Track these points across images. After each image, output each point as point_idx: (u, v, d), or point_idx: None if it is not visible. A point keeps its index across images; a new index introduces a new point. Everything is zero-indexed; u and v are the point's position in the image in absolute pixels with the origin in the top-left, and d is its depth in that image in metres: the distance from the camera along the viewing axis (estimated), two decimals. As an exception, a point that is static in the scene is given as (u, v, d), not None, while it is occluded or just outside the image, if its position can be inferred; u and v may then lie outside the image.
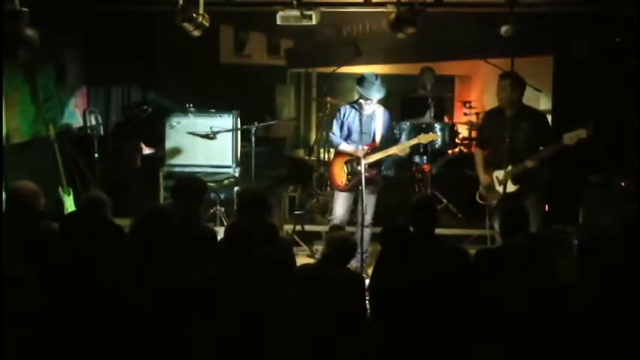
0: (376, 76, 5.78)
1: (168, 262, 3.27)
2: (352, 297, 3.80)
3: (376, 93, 5.73)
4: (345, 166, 5.90)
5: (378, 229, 4.43)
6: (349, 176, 5.87)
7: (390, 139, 5.98)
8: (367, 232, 5.74)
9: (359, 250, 5.59)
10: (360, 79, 5.78)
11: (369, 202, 5.69)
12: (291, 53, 8.85)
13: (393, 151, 5.79)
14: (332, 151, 6.50)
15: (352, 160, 5.85)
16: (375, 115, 5.84)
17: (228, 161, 7.06)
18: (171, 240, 3.33)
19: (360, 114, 5.81)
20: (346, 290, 3.77)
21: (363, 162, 5.53)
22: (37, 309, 3.20)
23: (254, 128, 6.71)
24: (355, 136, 5.86)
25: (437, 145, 7.19)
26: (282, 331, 3.11)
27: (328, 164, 6.26)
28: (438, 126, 7.30)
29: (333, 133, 5.96)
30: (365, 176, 5.52)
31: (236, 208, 4.76)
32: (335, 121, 5.98)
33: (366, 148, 5.71)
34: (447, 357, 3.49)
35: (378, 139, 5.84)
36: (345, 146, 5.89)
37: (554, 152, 5.23)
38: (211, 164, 7.06)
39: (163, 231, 3.32)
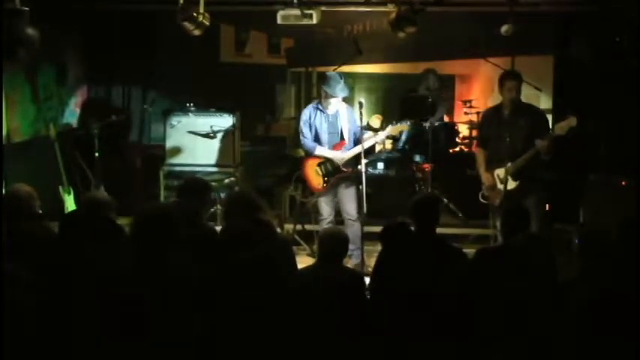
0: (340, 75, 5.86)
1: (169, 261, 3.27)
2: (352, 296, 3.80)
3: (341, 92, 5.79)
4: (318, 169, 5.92)
5: (377, 228, 4.43)
6: (325, 178, 5.91)
7: (358, 133, 5.93)
8: (357, 227, 5.74)
9: (357, 248, 5.60)
10: (324, 78, 5.87)
11: (350, 196, 5.83)
12: (292, 53, 8.84)
13: (365, 146, 5.76)
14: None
15: (325, 161, 5.88)
16: (339, 113, 5.88)
17: (229, 160, 7.06)
18: (172, 238, 3.33)
19: (326, 114, 5.87)
20: (346, 290, 3.77)
21: (364, 161, 5.56)
22: (37, 309, 3.20)
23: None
24: (324, 136, 5.89)
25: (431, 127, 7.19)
26: (281, 330, 3.11)
27: (301, 169, 6.16)
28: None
29: (305, 137, 5.93)
30: (342, 174, 5.81)
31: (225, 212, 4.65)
32: (303, 125, 5.94)
33: (355, 149, 5.80)
34: (447, 356, 3.49)
35: (346, 136, 5.87)
36: (321, 150, 5.90)
37: (549, 143, 5.21)
38: (212, 163, 7.06)
39: (165, 229, 3.31)
